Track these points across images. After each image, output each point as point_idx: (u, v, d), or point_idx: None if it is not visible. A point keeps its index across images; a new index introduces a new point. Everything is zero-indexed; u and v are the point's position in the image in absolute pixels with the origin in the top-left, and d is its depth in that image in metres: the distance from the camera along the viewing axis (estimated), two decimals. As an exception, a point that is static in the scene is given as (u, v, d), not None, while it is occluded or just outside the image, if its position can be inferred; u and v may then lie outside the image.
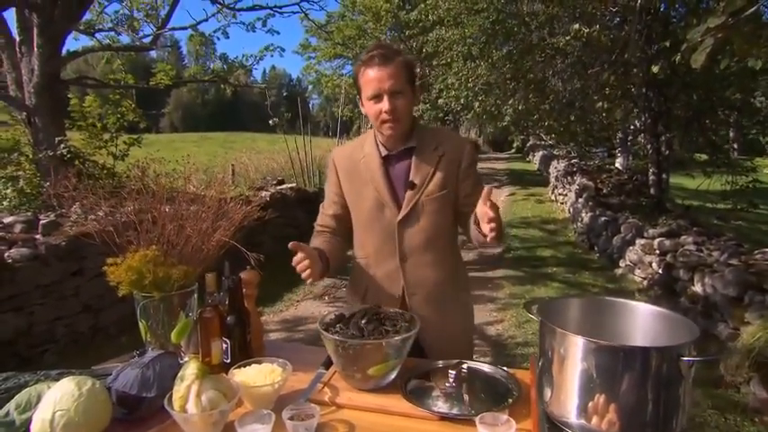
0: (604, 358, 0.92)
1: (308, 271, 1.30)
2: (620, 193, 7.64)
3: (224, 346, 1.26)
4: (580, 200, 7.84)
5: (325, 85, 17.28)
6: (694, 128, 7.40)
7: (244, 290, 1.32)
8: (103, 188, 1.39)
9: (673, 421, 0.92)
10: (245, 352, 1.27)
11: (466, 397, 1.13)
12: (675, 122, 7.44)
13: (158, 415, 1.08)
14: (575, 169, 10.05)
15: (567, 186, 9.57)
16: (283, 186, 7.18)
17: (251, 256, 1.37)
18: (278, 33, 9.14)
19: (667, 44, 5.12)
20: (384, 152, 1.50)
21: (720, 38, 2.37)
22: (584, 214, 7.34)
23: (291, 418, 1.00)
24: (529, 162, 20.33)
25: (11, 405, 1.02)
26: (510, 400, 1.11)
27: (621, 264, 5.58)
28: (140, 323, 1.29)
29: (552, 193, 11.23)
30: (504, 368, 1.26)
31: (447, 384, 1.16)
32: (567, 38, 6.86)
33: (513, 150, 25.28)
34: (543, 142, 17.22)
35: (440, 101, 9.40)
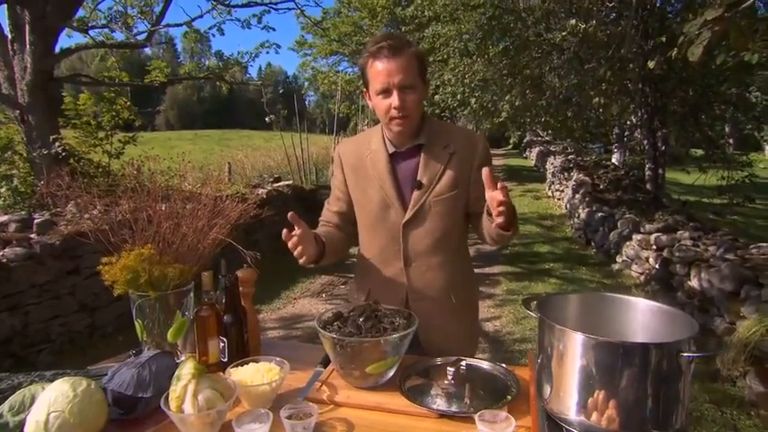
0: (604, 354, 0.92)
1: (299, 248, 1.26)
2: (616, 189, 7.66)
3: (221, 344, 1.25)
4: (577, 196, 7.85)
5: (322, 82, 17.23)
6: (690, 123, 7.43)
7: (240, 288, 1.31)
8: (98, 187, 1.38)
9: (672, 417, 0.92)
10: (243, 351, 1.26)
11: (465, 394, 1.12)
12: (671, 118, 7.47)
13: (155, 415, 1.07)
14: (571, 165, 10.08)
15: (564, 182, 9.60)
16: (280, 184, 7.16)
17: (247, 253, 1.36)
18: (273, 30, 9.01)
19: (663, 39, 5.12)
20: (392, 149, 1.42)
21: (717, 31, 2.38)
22: (580, 210, 7.36)
23: (289, 417, 1.00)
24: (526, 158, 20.39)
25: (4, 407, 1.00)
26: (509, 397, 1.11)
27: (618, 259, 5.60)
28: (136, 322, 1.28)
29: (549, 189, 11.26)
30: (503, 365, 1.26)
31: (446, 382, 1.16)
32: (564, 33, 6.86)
33: (510, 146, 25.37)
34: (540, 138, 17.29)
35: (436, 97, 9.37)
